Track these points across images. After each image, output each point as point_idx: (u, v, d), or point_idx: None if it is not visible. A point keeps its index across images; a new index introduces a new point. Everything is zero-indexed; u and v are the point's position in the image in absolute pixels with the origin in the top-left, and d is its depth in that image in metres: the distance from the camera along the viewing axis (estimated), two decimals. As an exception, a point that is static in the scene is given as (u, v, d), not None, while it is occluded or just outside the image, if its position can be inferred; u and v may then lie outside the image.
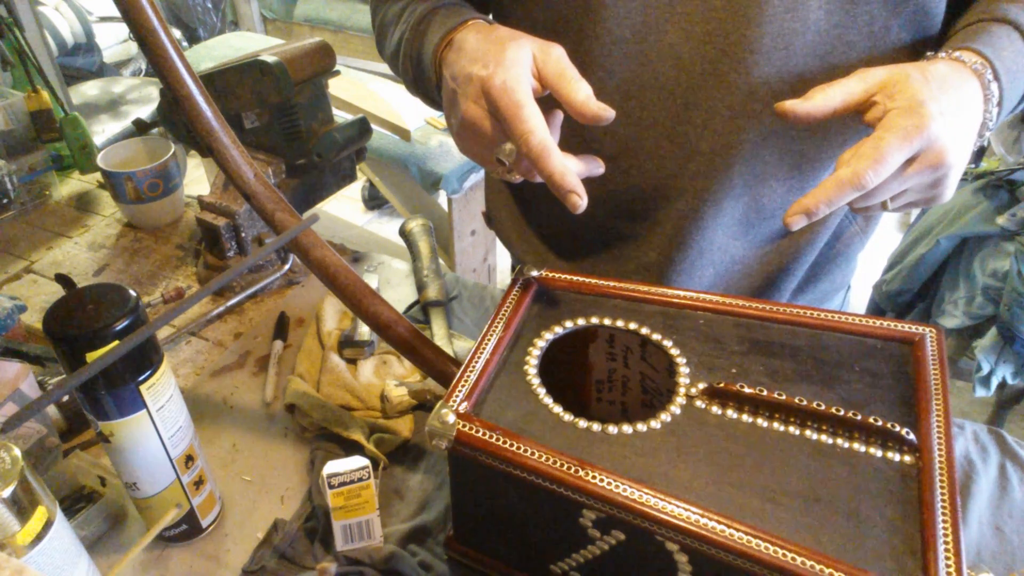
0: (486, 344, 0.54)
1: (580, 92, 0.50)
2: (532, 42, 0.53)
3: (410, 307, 0.90)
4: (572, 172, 0.51)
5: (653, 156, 0.66)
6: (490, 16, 0.66)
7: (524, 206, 0.85)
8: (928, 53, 0.56)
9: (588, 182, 0.68)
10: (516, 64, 0.51)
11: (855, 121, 0.64)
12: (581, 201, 0.50)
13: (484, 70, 0.52)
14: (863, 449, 0.46)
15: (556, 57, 0.52)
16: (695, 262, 0.71)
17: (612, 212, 0.72)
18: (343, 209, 2.81)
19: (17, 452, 0.47)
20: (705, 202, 0.67)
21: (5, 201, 1.06)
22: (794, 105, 0.51)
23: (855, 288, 0.91)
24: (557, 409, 0.50)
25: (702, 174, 0.65)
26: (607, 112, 0.50)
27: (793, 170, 0.66)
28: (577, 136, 0.69)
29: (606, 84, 0.64)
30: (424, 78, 0.64)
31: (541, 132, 0.50)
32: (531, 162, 0.51)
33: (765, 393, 0.49)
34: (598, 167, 0.55)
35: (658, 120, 0.65)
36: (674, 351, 0.54)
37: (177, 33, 3.27)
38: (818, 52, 0.59)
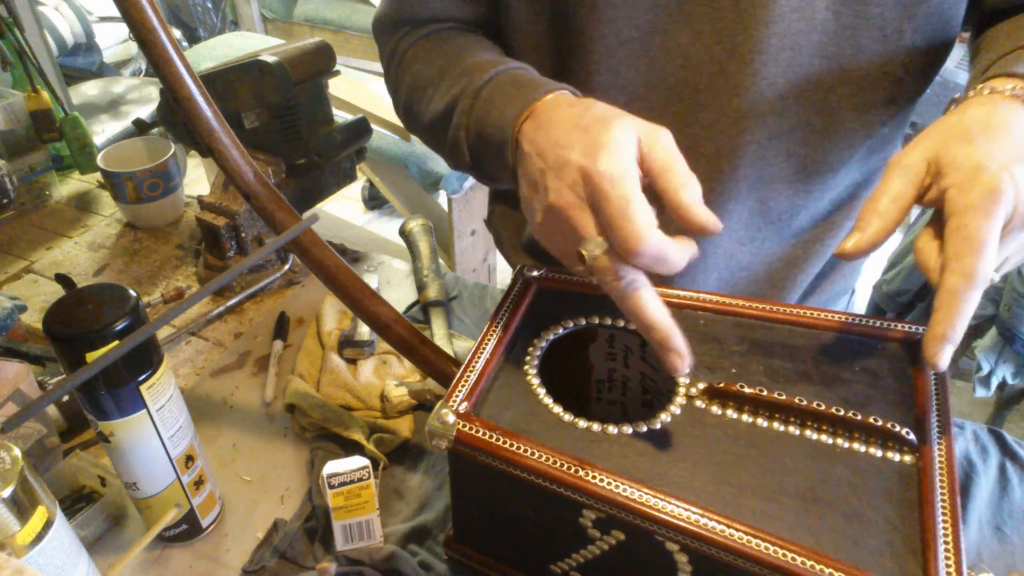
0: (486, 344, 0.54)
1: (689, 193, 0.44)
2: (637, 124, 0.46)
3: (410, 307, 0.90)
4: (676, 328, 0.45)
5: None
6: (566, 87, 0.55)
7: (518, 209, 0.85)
8: (956, 96, 0.51)
9: None
10: (622, 150, 0.44)
11: (861, 124, 0.64)
12: (683, 364, 0.45)
13: (586, 156, 0.45)
14: (863, 449, 0.46)
15: (664, 145, 0.46)
16: (699, 267, 0.70)
17: None
18: (343, 209, 2.81)
19: (17, 452, 0.47)
20: (710, 204, 0.66)
21: (5, 201, 1.06)
22: (857, 243, 0.45)
23: (856, 288, 0.91)
24: (557, 409, 0.50)
25: (707, 176, 0.65)
26: (714, 224, 0.44)
27: (799, 173, 0.66)
28: None
29: (611, 85, 0.64)
30: (490, 153, 0.56)
31: (652, 238, 0.43)
32: (625, 276, 0.44)
33: (765, 393, 0.49)
34: (694, 252, 0.47)
35: (664, 121, 0.65)
36: (674, 351, 0.54)
37: (177, 33, 3.27)
38: (826, 53, 0.59)
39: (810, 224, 0.71)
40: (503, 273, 2.28)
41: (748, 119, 0.61)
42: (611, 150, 0.44)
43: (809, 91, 0.61)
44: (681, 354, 0.46)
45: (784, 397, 0.49)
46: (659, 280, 0.73)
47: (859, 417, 0.47)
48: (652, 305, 0.45)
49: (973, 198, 0.42)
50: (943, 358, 0.43)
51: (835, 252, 0.45)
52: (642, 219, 0.43)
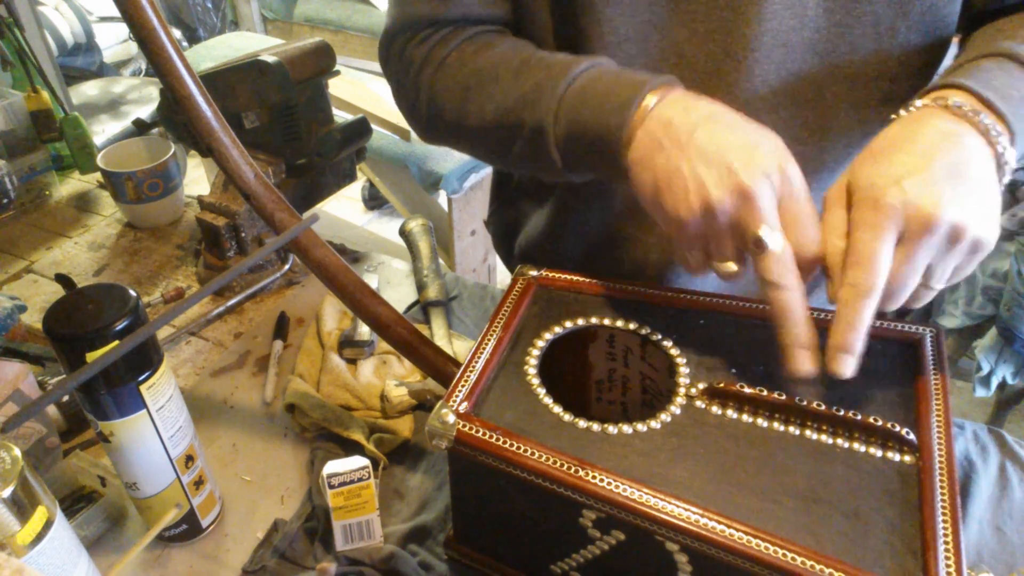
0: (486, 344, 0.54)
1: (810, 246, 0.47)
2: (778, 153, 0.48)
3: (410, 307, 0.90)
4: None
5: None
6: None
7: (520, 212, 0.85)
8: (894, 114, 0.51)
9: (588, 184, 0.68)
10: (768, 174, 0.46)
11: (857, 122, 0.64)
12: (808, 360, 0.47)
13: (773, 152, 0.47)
14: (863, 449, 0.46)
15: (798, 196, 0.47)
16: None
17: (614, 213, 0.72)
18: (343, 209, 2.81)
19: (17, 452, 0.47)
20: None
21: (5, 201, 1.06)
22: (834, 290, 0.47)
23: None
24: (557, 409, 0.50)
25: None
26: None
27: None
28: None
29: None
30: (593, 150, 0.55)
31: (828, 246, 0.46)
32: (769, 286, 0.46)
33: (765, 393, 0.49)
34: None
35: None
36: (674, 351, 0.54)
37: (177, 33, 3.27)
38: (818, 50, 0.59)
39: None
40: (503, 273, 2.28)
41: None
42: (758, 167, 0.46)
43: (803, 88, 0.61)
44: (812, 349, 0.47)
45: (784, 397, 0.49)
46: (661, 279, 0.73)
47: (859, 417, 0.47)
48: (802, 306, 0.47)
49: (861, 215, 0.45)
50: (842, 367, 0.45)
51: (828, 298, 0.48)
52: (819, 226, 0.46)
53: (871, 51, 0.59)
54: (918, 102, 0.50)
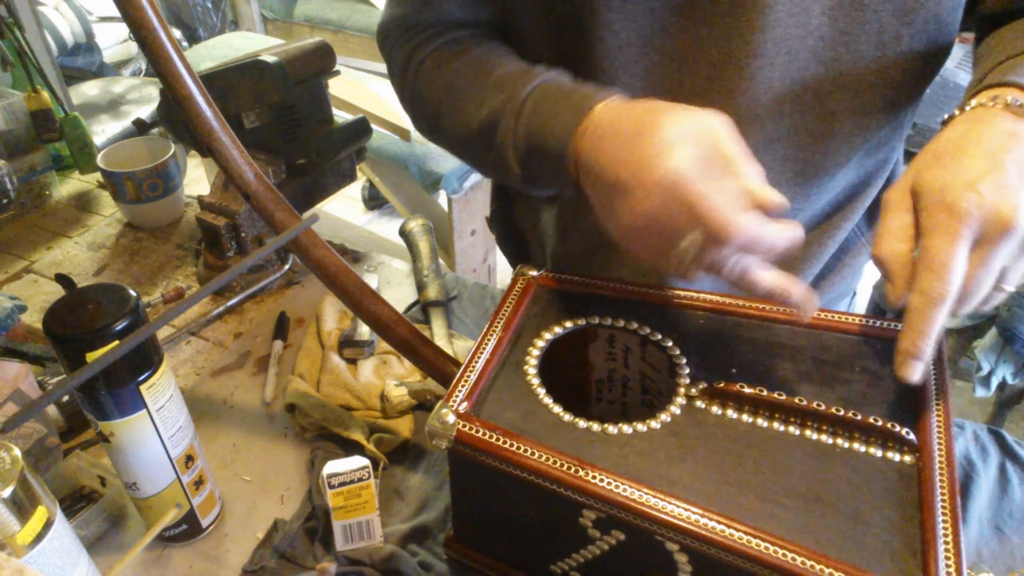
0: (486, 344, 0.54)
1: (750, 179, 0.46)
2: (691, 120, 0.47)
3: (410, 307, 0.90)
4: (791, 280, 0.47)
5: None
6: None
7: (528, 218, 0.84)
8: (945, 116, 0.51)
9: None
10: (682, 150, 0.45)
11: (859, 128, 0.64)
12: (802, 294, 0.47)
13: (649, 167, 0.46)
14: (863, 449, 0.46)
15: (720, 139, 0.47)
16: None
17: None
18: (343, 209, 2.81)
19: (17, 452, 0.47)
20: None
21: (5, 201, 1.06)
22: (895, 293, 0.47)
23: (856, 290, 0.91)
24: (557, 409, 0.50)
25: None
26: (779, 203, 0.46)
27: (797, 176, 0.65)
28: None
29: (609, 88, 0.64)
30: (547, 167, 0.56)
31: (739, 223, 0.44)
32: (720, 236, 0.44)
33: (765, 393, 0.49)
34: (796, 232, 0.47)
35: None
36: (674, 351, 0.54)
37: (177, 33, 3.27)
38: (822, 58, 0.58)
39: (808, 226, 0.71)
40: (503, 273, 2.28)
41: (745, 123, 0.61)
42: (671, 154, 0.45)
43: (806, 96, 0.61)
44: (800, 293, 0.47)
45: (784, 397, 0.49)
46: (678, 281, 0.72)
47: (859, 417, 0.47)
48: (763, 278, 0.47)
49: (934, 219, 0.44)
50: (911, 372, 0.45)
51: (886, 305, 0.48)
52: (722, 208, 0.44)
53: (874, 59, 0.59)
54: (973, 101, 0.49)
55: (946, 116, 0.50)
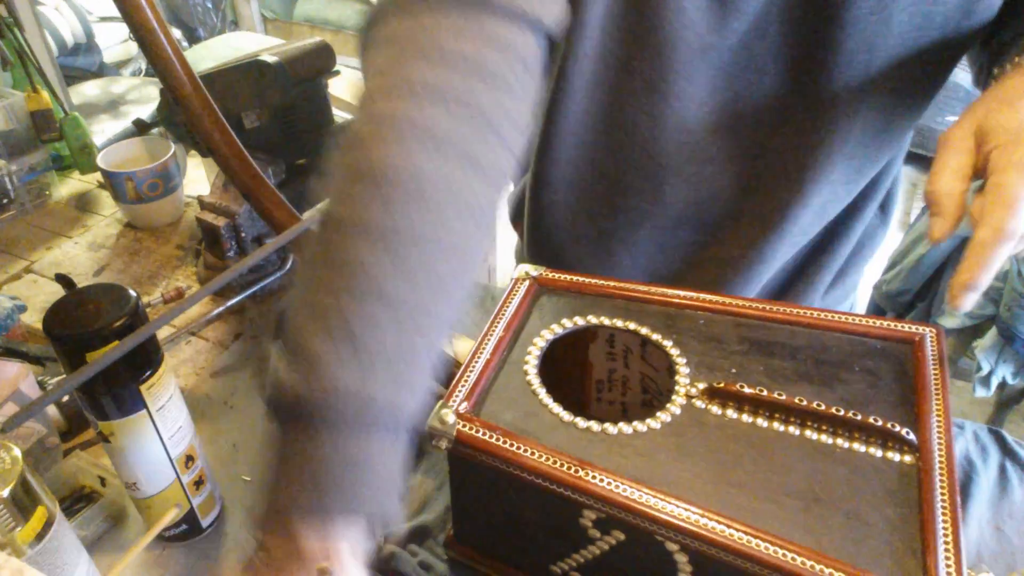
0: (486, 344, 0.54)
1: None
2: None
3: (410, 307, 0.89)
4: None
5: (732, 161, 0.65)
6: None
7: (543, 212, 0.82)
8: (994, 71, 0.53)
9: (650, 193, 0.66)
10: None
11: (911, 121, 0.63)
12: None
13: None
14: (863, 449, 0.46)
15: None
16: (759, 271, 0.70)
17: (679, 223, 0.70)
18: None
19: (17, 452, 0.47)
20: (776, 216, 0.65)
21: (5, 201, 1.06)
22: (941, 227, 0.47)
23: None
24: (557, 409, 0.50)
25: (770, 173, 0.64)
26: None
27: (855, 173, 0.65)
28: (634, 148, 0.66)
29: (684, 92, 0.61)
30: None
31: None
32: None
33: (765, 393, 0.49)
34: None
35: (725, 123, 0.63)
36: (674, 351, 0.54)
37: (177, 33, 3.27)
38: (898, 56, 0.57)
39: (842, 219, 0.72)
40: (503, 273, 2.28)
41: (820, 122, 0.60)
42: None
43: (880, 98, 0.59)
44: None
45: (784, 397, 0.49)
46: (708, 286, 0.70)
47: (859, 417, 0.47)
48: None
49: (1013, 156, 0.44)
50: (964, 302, 0.46)
51: (929, 239, 0.48)
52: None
53: (933, 58, 0.58)
54: (1016, 59, 0.51)
55: (995, 70, 0.52)
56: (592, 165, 0.70)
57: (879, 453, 0.46)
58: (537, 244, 0.84)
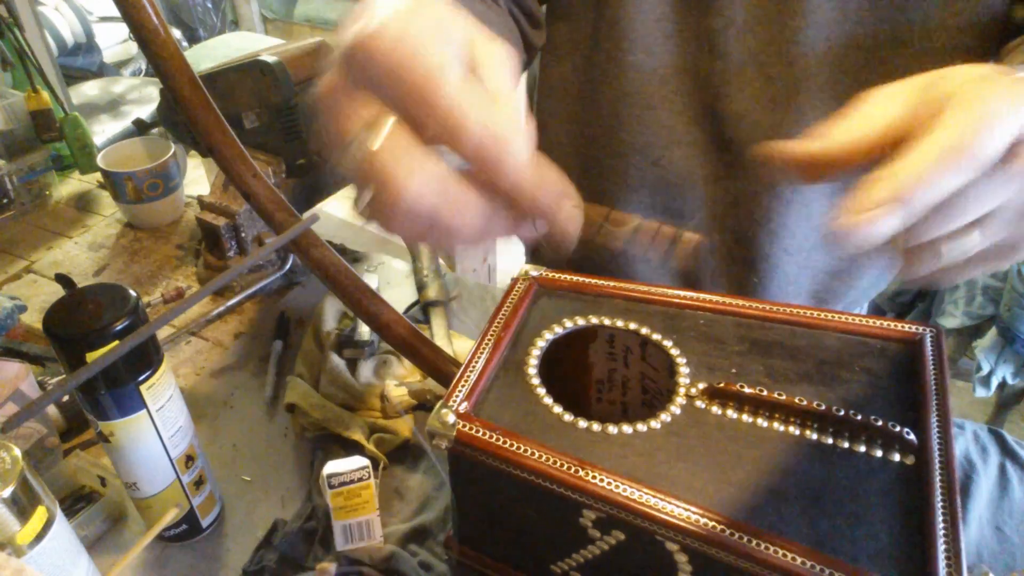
0: (486, 344, 0.54)
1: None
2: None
3: (410, 307, 0.90)
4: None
5: (698, 146, 0.65)
6: None
7: None
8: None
9: (617, 174, 0.66)
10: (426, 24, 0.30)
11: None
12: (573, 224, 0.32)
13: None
14: (863, 449, 0.46)
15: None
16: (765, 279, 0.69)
17: (651, 210, 0.69)
18: (343, 209, 2.81)
19: (17, 452, 0.47)
20: (748, 201, 0.65)
21: (5, 201, 1.06)
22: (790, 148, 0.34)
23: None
24: (557, 409, 0.50)
25: (738, 164, 0.64)
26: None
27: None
28: (605, 119, 0.67)
29: (644, 65, 0.62)
30: None
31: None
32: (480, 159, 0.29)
33: (765, 393, 0.49)
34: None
35: (691, 106, 0.64)
36: (674, 351, 0.54)
37: (177, 33, 3.27)
38: (864, 45, 0.57)
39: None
40: (503, 273, 2.28)
41: (782, 110, 0.60)
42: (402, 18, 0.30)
43: (843, 87, 0.59)
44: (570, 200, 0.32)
45: (784, 397, 0.48)
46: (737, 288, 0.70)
47: (859, 417, 0.47)
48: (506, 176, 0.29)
49: (967, 108, 0.30)
50: (849, 238, 0.29)
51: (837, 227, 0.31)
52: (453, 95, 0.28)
53: (916, 53, 0.57)
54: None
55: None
56: (574, 150, 0.71)
57: (879, 453, 0.46)
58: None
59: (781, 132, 0.61)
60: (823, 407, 0.48)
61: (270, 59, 0.83)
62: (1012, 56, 0.52)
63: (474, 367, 0.52)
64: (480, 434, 0.47)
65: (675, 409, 0.50)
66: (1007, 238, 0.33)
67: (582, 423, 0.49)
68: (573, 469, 0.45)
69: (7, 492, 0.45)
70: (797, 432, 0.48)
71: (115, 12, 0.61)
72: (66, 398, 0.72)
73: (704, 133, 0.64)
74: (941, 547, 0.40)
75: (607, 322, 0.57)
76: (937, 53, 0.58)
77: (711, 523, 0.42)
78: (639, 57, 0.62)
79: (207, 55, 2.39)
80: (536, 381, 0.52)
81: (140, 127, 1.11)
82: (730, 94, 0.61)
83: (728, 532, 0.41)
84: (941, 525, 0.41)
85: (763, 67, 0.59)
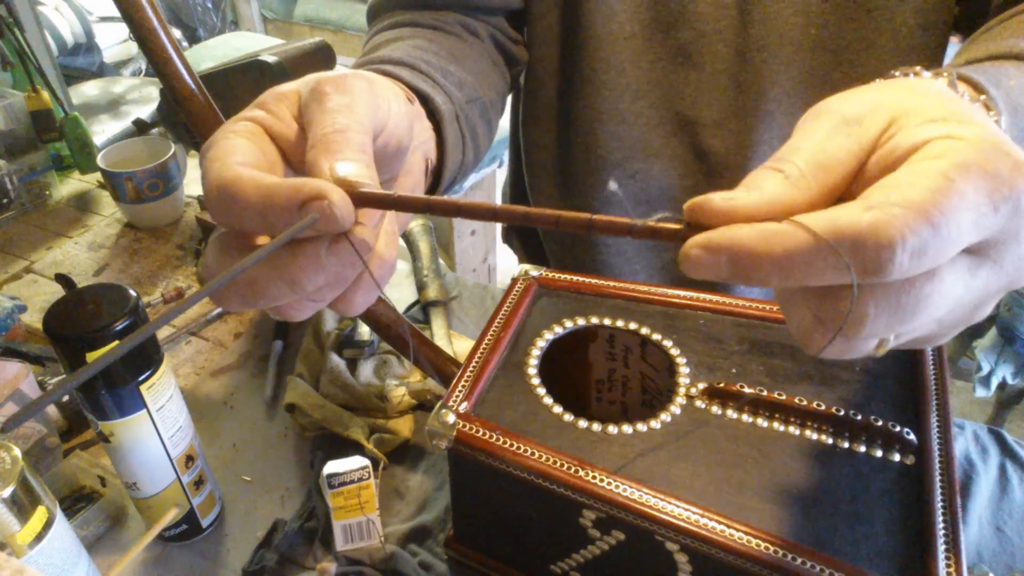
0: (486, 344, 0.54)
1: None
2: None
3: (410, 307, 0.90)
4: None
5: (676, 159, 0.66)
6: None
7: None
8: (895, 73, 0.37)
9: (596, 190, 0.67)
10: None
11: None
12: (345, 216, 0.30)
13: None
14: (863, 449, 0.46)
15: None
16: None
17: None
18: (343, 209, 2.81)
19: (17, 452, 0.47)
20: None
21: (5, 201, 1.06)
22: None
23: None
24: (557, 409, 0.50)
25: (716, 174, 0.65)
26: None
27: None
28: (582, 137, 0.68)
29: (615, 83, 0.64)
30: None
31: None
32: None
33: (765, 393, 0.49)
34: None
35: (667, 119, 0.64)
36: (674, 351, 0.54)
37: (177, 33, 3.27)
38: (831, 47, 0.57)
39: None
40: (503, 273, 2.28)
41: (753, 118, 0.61)
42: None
43: (814, 91, 0.60)
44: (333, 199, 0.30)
45: (784, 397, 0.49)
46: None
47: (859, 417, 0.47)
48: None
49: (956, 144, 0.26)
50: (693, 266, 0.26)
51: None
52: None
53: (888, 51, 0.57)
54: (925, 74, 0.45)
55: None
56: (557, 170, 0.72)
57: (879, 453, 0.46)
58: (532, 257, 0.85)
59: (755, 139, 0.62)
60: (823, 407, 0.48)
61: (270, 59, 0.83)
62: (972, 48, 0.45)
63: (474, 367, 0.52)
64: (480, 434, 0.47)
65: (675, 409, 0.50)
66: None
67: (582, 423, 0.49)
68: (573, 469, 0.45)
69: (7, 492, 0.45)
70: (797, 432, 0.48)
71: (115, 12, 0.61)
72: (66, 398, 0.72)
73: (681, 144, 0.65)
74: (941, 547, 0.40)
75: (607, 322, 0.57)
76: (904, 53, 0.58)
77: (711, 523, 0.42)
78: (611, 76, 0.63)
79: (207, 55, 2.39)
80: (536, 381, 0.52)
81: (140, 127, 1.11)
82: (705, 104, 0.62)
83: (728, 532, 0.41)
84: (941, 525, 0.41)
85: (734, 75, 0.59)
